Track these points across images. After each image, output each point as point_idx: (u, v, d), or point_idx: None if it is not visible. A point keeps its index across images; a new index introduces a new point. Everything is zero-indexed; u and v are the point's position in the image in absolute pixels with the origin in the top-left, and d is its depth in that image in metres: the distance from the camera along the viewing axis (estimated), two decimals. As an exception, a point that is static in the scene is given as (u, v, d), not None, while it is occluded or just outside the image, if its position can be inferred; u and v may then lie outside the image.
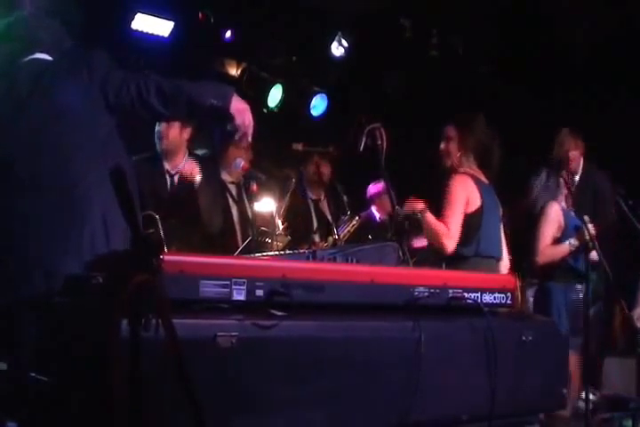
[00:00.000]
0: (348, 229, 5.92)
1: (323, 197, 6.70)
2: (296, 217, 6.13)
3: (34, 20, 3.42)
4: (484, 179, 4.74)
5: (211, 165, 5.54)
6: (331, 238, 5.74)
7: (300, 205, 6.51)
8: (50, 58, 3.30)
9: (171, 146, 5.25)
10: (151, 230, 4.41)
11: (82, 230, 3.04)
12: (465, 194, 4.57)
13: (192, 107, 3.27)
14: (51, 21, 3.41)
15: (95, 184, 3.07)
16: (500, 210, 4.83)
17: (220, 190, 5.58)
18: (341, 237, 5.78)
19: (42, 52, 3.30)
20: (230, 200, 5.75)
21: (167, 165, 5.28)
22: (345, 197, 6.45)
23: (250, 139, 3.36)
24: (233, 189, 5.79)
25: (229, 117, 3.25)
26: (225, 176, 5.79)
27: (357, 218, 5.97)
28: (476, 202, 4.61)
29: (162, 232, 4.42)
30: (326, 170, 6.61)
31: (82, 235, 3.03)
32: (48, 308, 2.48)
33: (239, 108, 3.25)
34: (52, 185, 3.09)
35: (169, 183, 5.26)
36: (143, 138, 5.11)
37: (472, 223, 4.58)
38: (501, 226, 4.85)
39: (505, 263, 4.85)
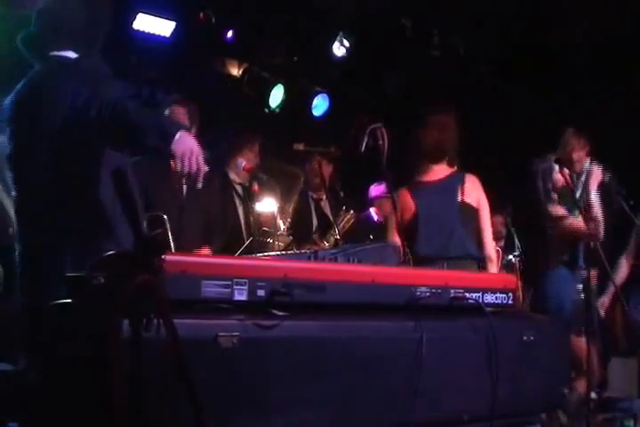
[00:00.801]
0: (343, 224, 5.93)
1: (324, 197, 6.70)
2: (298, 217, 6.14)
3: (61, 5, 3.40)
4: (432, 178, 4.76)
5: (217, 166, 5.56)
6: (332, 238, 5.74)
7: (302, 204, 6.51)
8: (74, 55, 3.33)
9: None
10: (158, 231, 4.42)
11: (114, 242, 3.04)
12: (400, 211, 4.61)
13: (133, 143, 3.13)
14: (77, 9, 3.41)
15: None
16: (466, 202, 4.74)
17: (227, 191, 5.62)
18: (338, 232, 5.78)
19: (67, 46, 3.33)
20: (237, 200, 5.77)
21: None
22: (342, 194, 6.46)
23: (199, 184, 3.05)
24: (240, 189, 5.81)
25: (174, 159, 3.00)
26: (233, 177, 5.81)
27: (351, 213, 5.97)
28: (410, 209, 4.71)
29: (169, 233, 4.43)
30: (327, 170, 6.60)
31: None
32: (50, 308, 2.48)
33: (183, 151, 2.96)
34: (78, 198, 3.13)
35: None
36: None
37: (410, 227, 4.66)
38: (465, 220, 4.75)
39: (490, 257, 4.76)
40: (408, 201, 4.74)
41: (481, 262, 4.69)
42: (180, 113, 5.11)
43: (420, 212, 4.70)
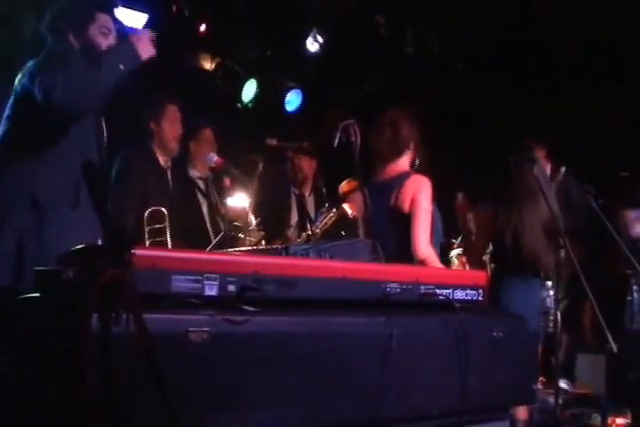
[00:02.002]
0: (325, 221, 5.90)
1: (308, 193, 6.65)
2: (272, 211, 6.12)
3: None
4: (381, 178, 4.75)
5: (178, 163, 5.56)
6: (304, 234, 5.73)
7: (279, 199, 6.48)
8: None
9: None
10: (160, 226, 4.44)
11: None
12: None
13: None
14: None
15: None
16: (397, 207, 4.68)
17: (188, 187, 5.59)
18: (319, 228, 5.75)
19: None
20: (200, 196, 5.73)
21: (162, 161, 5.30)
22: (324, 190, 6.45)
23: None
24: (201, 184, 5.77)
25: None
26: (192, 172, 5.76)
27: (334, 210, 5.95)
28: (361, 211, 4.68)
29: (168, 229, 4.45)
30: (311, 166, 6.56)
31: None
32: (19, 303, 2.47)
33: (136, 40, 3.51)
34: None
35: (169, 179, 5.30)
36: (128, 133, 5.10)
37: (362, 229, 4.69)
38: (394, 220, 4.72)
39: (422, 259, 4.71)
40: (360, 202, 4.73)
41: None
42: (174, 110, 5.14)
43: (366, 215, 4.68)
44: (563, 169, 5.96)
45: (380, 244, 4.56)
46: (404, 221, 4.58)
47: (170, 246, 4.59)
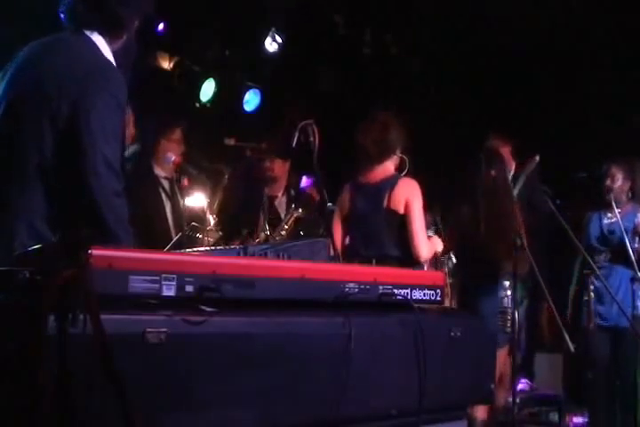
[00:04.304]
0: (290, 222, 5.91)
1: (281, 194, 6.63)
2: (238, 212, 6.11)
3: None
4: (370, 180, 4.79)
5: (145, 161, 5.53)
6: (263, 234, 5.72)
7: (245, 199, 6.46)
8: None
9: None
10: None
11: None
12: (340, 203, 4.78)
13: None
14: None
15: None
16: (392, 209, 4.75)
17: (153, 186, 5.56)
18: (282, 229, 5.75)
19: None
20: (163, 195, 5.71)
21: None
22: (292, 191, 6.45)
23: None
24: (166, 184, 5.75)
25: None
26: (158, 171, 5.73)
27: (299, 211, 5.95)
28: (346, 207, 4.79)
29: None
30: (284, 168, 6.53)
31: None
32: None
33: None
34: None
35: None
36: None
37: (345, 226, 4.75)
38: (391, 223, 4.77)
39: (422, 260, 4.78)
40: (346, 199, 4.79)
41: (412, 265, 4.71)
42: (130, 121, 5.11)
43: (352, 212, 4.74)
44: (537, 158, 5.96)
45: (376, 244, 4.64)
46: (400, 223, 4.67)
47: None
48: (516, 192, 5.64)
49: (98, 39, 3.15)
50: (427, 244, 4.78)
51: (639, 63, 7.03)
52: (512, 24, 7.38)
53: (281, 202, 6.58)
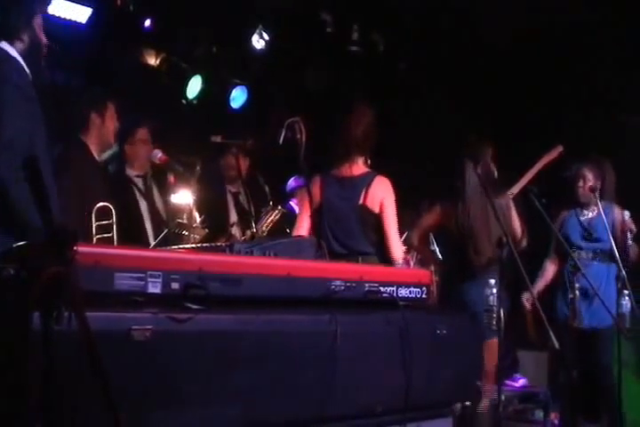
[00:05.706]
0: (271, 219, 5.88)
1: (242, 191, 6.63)
2: (213, 210, 6.07)
3: None
4: (345, 174, 4.77)
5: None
6: (249, 232, 5.70)
7: (217, 197, 6.45)
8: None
9: None
10: (107, 222, 4.38)
11: None
12: (307, 196, 4.61)
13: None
14: None
15: None
16: (366, 207, 4.69)
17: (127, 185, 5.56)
18: (263, 227, 5.74)
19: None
20: (137, 194, 5.67)
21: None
22: (267, 188, 6.43)
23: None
24: (139, 182, 5.70)
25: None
26: (129, 171, 5.69)
27: (279, 208, 5.93)
28: (317, 200, 4.69)
29: (115, 225, 4.40)
30: (244, 164, 6.55)
31: None
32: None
33: None
34: None
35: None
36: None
37: (315, 218, 4.66)
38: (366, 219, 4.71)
39: (396, 259, 4.75)
40: (317, 191, 4.73)
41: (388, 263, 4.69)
42: (113, 107, 5.07)
43: (325, 206, 4.70)
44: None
45: (351, 241, 4.62)
46: (375, 221, 4.65)
47: (115, 243, 4.53)
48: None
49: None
50: (400, 245, 4.77)
51: (631, 63, 7.06)
52: (499, 23, 7.39)
53: (244, 198, 6.59)
